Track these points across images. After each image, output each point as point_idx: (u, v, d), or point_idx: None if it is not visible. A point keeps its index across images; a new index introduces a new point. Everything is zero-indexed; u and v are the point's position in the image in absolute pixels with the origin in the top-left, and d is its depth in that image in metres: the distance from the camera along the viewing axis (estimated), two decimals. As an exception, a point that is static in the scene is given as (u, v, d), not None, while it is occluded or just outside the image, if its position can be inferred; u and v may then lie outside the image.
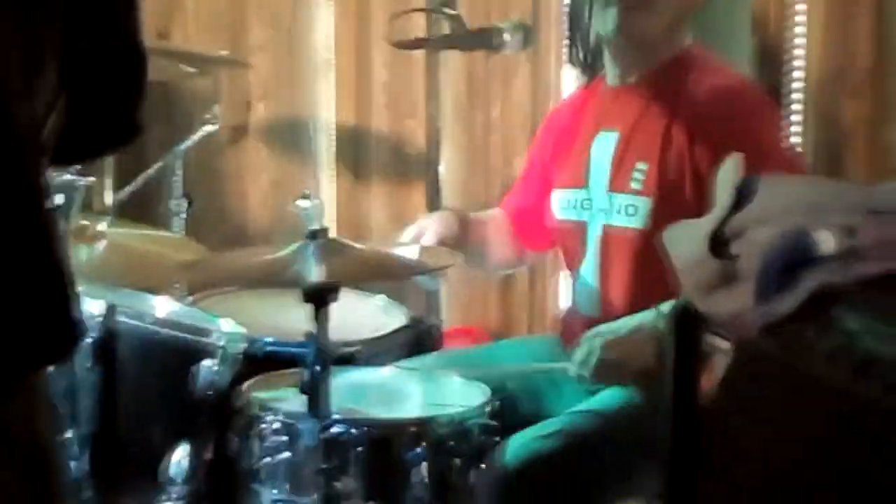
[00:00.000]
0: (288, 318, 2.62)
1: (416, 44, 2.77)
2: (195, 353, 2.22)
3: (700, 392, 1.74)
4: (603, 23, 2.35)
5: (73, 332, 1.39)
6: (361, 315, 2.76)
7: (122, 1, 1.52)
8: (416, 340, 2.78)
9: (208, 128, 3.55)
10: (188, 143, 3.52)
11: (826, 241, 1.52)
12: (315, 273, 1.96)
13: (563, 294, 3.20)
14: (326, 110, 4.02)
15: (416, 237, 2.43)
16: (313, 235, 1.99)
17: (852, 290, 1.51)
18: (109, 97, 1.53)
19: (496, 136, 3.56)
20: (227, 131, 3.89)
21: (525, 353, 2.55)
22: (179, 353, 2.21)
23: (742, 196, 1.61)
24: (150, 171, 3.49)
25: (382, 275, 2.30)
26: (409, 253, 2.27)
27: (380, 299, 2.85)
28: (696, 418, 1.75)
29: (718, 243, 1.60)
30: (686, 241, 1.65)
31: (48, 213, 1.37)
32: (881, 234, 1.53)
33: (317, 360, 2.02)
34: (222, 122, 3.58)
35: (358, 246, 2.11)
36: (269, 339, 2.44)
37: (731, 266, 1.59)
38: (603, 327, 2.28)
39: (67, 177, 1.92)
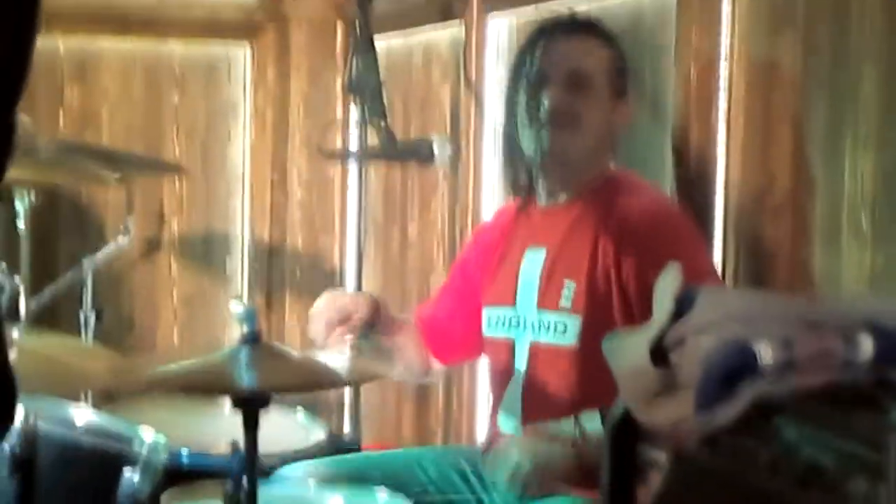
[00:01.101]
0: (206, 429, 2.59)
1: (346, 154, 2.78)
2: (116, 461, 2.16)
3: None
4: (531, 143, 2.40)
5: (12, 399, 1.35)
6: (281, 428, 2.72)
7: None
8: (336, 454, 2.74)
9: (121, 240, 3.52)
10: (100, 254, 3.48)
11: (765, 352, 1.54)
12: (248, 379, 1.93)
13: (479, 409, 3.20)
14: (241, 225, 4.01)
15: (342, 318, 2.44)
16: (247, 339, 1.96)
17: (791, 401, 1.53)
18: None
19: (413, 252, 3.58)
20: (140, 244, 3.86)
21: (446, 462, 2.53)
22: (100, 461, 2.16)
23: (681, 307, 1.63)
24: (61, 282, 3.45)
25: (316, 384, 2.27)
26: (340, 360, 2.25)
27: (300, 413, 2.82)
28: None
29: (658, 353, 1.62)
30: (626, 350, 1.67)
31: None
32: (818, 347, 1.55)
33: (245, 471, 1.98)
34: (135, 234, 3.55)
35: (291, 353, 2.09)
36: (190, 450, 2.39)
37: (670, 375, 1.61)
38: (524, 441, 2.28)
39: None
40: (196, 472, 2.42)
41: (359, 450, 2.91)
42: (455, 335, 2.61)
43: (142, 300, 3.97)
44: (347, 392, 3.58)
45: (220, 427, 2.65)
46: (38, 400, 2.15)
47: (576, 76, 2.39)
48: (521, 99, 2.42)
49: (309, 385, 2.19)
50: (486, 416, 2.94)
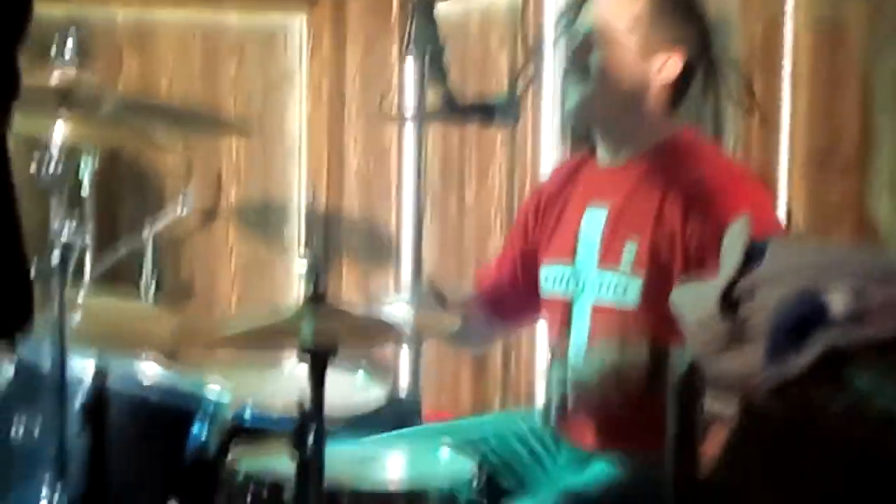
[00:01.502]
0: (268, 390, 2.62)
1: (405, 116, 2.78)
2: (184, 417, 2.19)
3: (701, 461, 1.74)
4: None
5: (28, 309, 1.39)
6: (342, 391, 2.74)
7: None
8: (396, 418, 2.76)
9: (180, 207, 3.55)
10: (159, 221, 3.52)
11: (835, 303, 1.54)
12: (314, 334, 1.94)
13: (537, 373, 3.20)
14: (298, 194, 4.04)
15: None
16: (313, 296, 1.98)
17: (863, 351, 1.53)
18: None
19: (470, 218, 3.58)
20: (199, 212, 3.89)
21: (505, 427, 2.54)
22: (168, 417, 2.19)
23: (750, 259, 1.63)
24: (121, 249, 3.49)
25: (380, 339, 2.28)
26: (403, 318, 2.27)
27: (360, 375, 2.84)
28: (697, 488, 1.74)
29: (728, 305, 1.61)
30: (695, 301, 1.66)
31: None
32: (888, 297, 1.54)
33: (311, 425, 1.99)
34: (194, 202, 3.58)
35: (355, 309, 2.11)
36: (253, 409, 2.42)
37: (740, 327, 1.61)
38: (560, 373, 2.28)
39: (65, 237, 1.90)
40: (260, 431, 2.45)
41: (419, 412, 2.92)
42: (516, 298, 2.61)
43: (200, 267, 4.00)
44: (407, 355, 3.59)
45: (281, 388, 2.69)
46: (107, 358, 2.17)
47: (600, 30, 2.37)
48: (565, 56, 2.44)
49: (374, 340, 2.20)
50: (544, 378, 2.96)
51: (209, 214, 3.97)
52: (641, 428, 2.21)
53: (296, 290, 3.91)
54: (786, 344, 1.55)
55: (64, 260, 1.89)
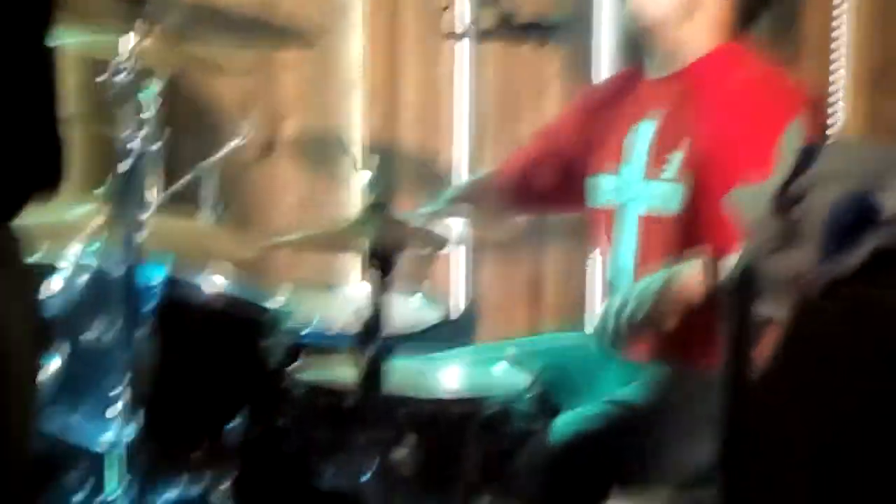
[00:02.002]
0: (328, 310, 2.69)
1: (461, 34, 2.80)
2: (249, 327, 2.25)
3: (754, 361, 1.77)
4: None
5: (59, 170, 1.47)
6: (399, 313, 2.80)
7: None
8: (452, 339, 2.81)
9: (237, 140, 3.59)
10: (217, 154, 3.56)
11: (888, 203, 1.57)
12: (376, 242, 1.99)
13: (590, 300, 3.25)
14: (355, 127, 4.07)
15: None
16: (375, 206, 2.03)
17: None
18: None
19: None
20: (257, 146, 3.93)
21: (560, 345, 2.59)
22: (234, 326, 2.25)
23: (805, 161, 1.66)
24: (178, 183, 3.54)
25: (438, 245, 2.35)
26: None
27: (417, 297, 2.89)
28: (749, 388, 1.78)
29: (781, 205, 1.65)
30: (751, 203, 1.70)
31: None
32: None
33: (373, 333, 2.04)
34: (251, 135, 3.62)
35: (413, 219, 2.16)
36: (317, 328, 2.49)
37: (793, 227, 1.64)
38: (616, 295, 2.32)
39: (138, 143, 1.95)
40: (321, 348, 2.52)
41: (474, 334, 2.97)
42: (540, 187, 2.68)
43: (257, 200, 4.05)
44: (463, 279, 3.64)
45: (341, 308, 2.75)
46: (176, 268, 2.23)
47: None
48: None
49: (431, 246, 2.25)
50: (597, 305, 3.01)
51: (268, 147, 4.01)
52: (694, 340, 2.26)
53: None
54: (838, 243, 1.59)
55: (134, 169, 1.95)
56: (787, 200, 1.62)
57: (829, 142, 1.68)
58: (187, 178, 3.51)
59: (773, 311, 1.70)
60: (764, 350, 1.76)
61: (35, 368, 1.60)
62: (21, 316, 1.53)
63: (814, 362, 1.66)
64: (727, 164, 2.30)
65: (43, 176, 1.54)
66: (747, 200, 1.71)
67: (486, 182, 2.76)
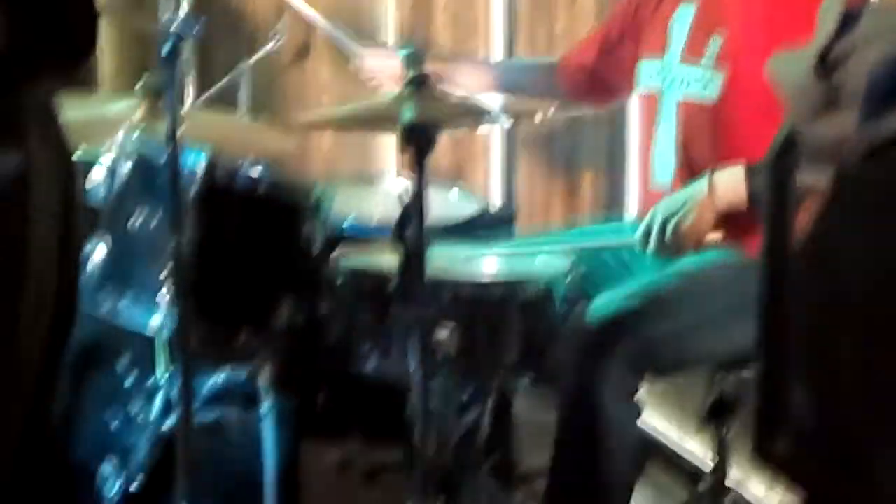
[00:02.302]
0: (371, 206, 2.71)
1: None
2: (291, 213, 2.27)
3: (796, 232, 1.77)
4: None
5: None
6: (437, 206, 2.81)
7: None
8: (491, 233, 2.83)
9: (272, 44, 3.60)
10: (252, 59, 3.57)
11: (931, 64, 1.56)
12: (416, 115, 1.99)
13: (629, 189, 3.26)
14: (388, 30, 4.06)
15: None
16: (414, 81, 2.03)
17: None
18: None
19: (560, 49, 3.59)
20: (291, 49, 3.94)
21: (598, 237, 2.60)
22: (277, 212, 2.27)
23: (846, 25, 1.65)
24: (216, 88, 3.55)
25: (477, 119, 2.36)
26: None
27: (455, 190, 2.91)
28: (791, 260, 1.78)
29: (823, 70, 1.64)
30: (792, 69, 1.69)
31: None
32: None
33: (414, 219, 2.05)
34: (286, 40, 3.62)
35: (453, 94, 2.16)
36: (356, 220, 2.52)
37: (835, 92, 1.64)
38: (661, 204, 2.32)
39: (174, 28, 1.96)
40: (361, 238, 2.54)
41: (512, 228, 2.99)
42: (598, 78, 2.68)
43: (293, 105, 4.06)
44: (501, 170, 3.66)
45: (380, 201, 2.77)
46: (217, 155, 2.25)
47: None
48: None
49: (472, 119, 2.26)
50: (637, 193, 3.01)
51: (301, 51, 4.02)
52: (734, 223, 2.26)
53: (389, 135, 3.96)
54: (880, 107, 1.58)
55: (174, 50, 1.95)
56: (827, 65, 1.62)
57: (869, 5, 1.66)
58: (224, 81, 3.53)
59: (815, 178, 1.70)
60: (806, 220, 1.76)
61: (72, 224, 1.63)
62: (52, 166, 1.56)
63: (858, 229, 1.65)
64: (766, 41, 2.29)
65: (78, 41, 1.55)
66: (787, 67, 1.71)
67: (545, 68, 2.77)
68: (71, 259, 1.62)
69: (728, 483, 2.59)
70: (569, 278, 2.30)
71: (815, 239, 1.72)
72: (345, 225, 2.60)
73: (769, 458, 1.72)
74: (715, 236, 2.27)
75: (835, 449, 1.59)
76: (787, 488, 1.70)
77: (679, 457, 3.30)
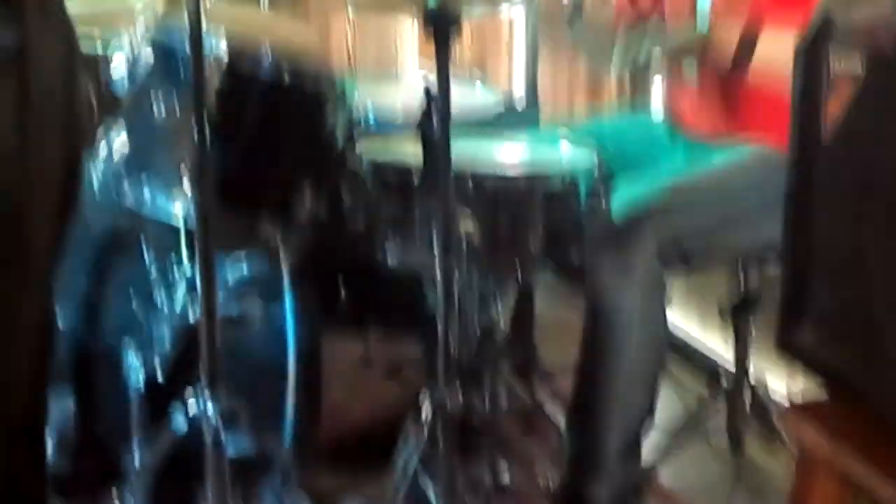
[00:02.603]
0: (393, 101, 2.69)
1: None
2: (315, 102, 2.25)
3: (825, 122, 1.75)
4: None
5: None
6: (460, 100, 2.80)
7: None
8: (514, 124, 2.81)
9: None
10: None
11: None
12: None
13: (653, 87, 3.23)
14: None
15: None
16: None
17: None
18: None
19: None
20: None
21: (624, 125, 2.59)
22: (300, 100, 2.24)
23: None
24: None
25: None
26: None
27: (478, 86, 2.89)
28: (819, 148, 1.76)
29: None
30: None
31: None
32: None
33: (438, 110, 2.03)
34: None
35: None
36: (379, 114, 2.50)
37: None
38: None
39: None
40: (384, 131, 2.53)
41: (536, 121, 2.97)
42: None
43: (316, 11, 4.02)
44: (524, 64, 3.62)
45: (402, 96, 2.75)
46: (238, 44, 2.23)
47: None
48: None
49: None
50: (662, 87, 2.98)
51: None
52: (762, 114, 2.24)
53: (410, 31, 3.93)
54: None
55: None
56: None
57: None
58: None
59: (848, 66, 1.67)
60: (837, 108, 1.73)
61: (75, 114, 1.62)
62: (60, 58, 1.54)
63: (893, 115, 1.63)
64: None
65: None
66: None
67: None
68: (73, 137, 1.61)
69: (749, 380, 2.60)
70: (594, 171, 2.29)
71: (846, 125, 1.70)
72: (368, 118, 2.58)
73: (792, 348, 1.71)
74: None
75: (858, 338, 1.58)
76: (808, 379, 1.70)
77: (698, 353, 3.31)
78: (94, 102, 2.40)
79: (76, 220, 1.64)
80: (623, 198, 2.26)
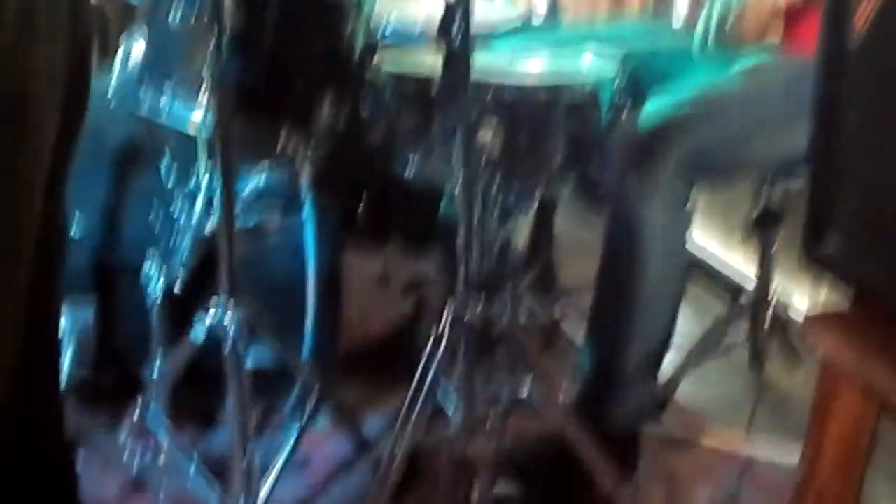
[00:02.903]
0: (413, 12, 2.65)
1: None
2: (333, 10, 2.22)
3: (854, 33, 1.72)
4: None
5: None
6: (480, 11, 2.75)
7: None
8: (536, 36, 2.77)
9: None
10: None
11: None
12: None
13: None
14: None
15: None
16: None
17: None
18: None
19: None
20: None
21: (651, 30, 2.54)
22: (318, 9, 2.21)
23: None
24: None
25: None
26: None
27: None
28: (847, 56, 1.72)
29: None
30: None
31: None
32: None
33: (458, 22, 2.00)
34: None
35: None
36: (398, 26, 2.46)
37: None
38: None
39: None
40: (404, 43, 2.50)
41: (558, 32, 2.93)
42: None
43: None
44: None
45: (421, 8, 2.71)
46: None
47: None
48: None
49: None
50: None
51: None
52: (790, 25, 2.20)
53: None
54: None
55: None
56: None
57: None
58: None
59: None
60: (867, 13, 1.70)
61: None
62: None
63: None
64: None
65: None
66: None
67: None
68: (81, 34, 1.58)
69: (770, 296, 2.59)
70: (616, 82, 2.25)
71: (875, 28, 1.66)
72: (387, 28, 2.55)
73: (818, 258, 1.69)
74: (774, 32, 2.21)
75: (887, 246, 1.56)
76: (830, 293, 1.68)
77: (719, 271, 3.30)
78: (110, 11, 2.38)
79: (86, 126, 1.62)
80: (646, 110, 2.23)
